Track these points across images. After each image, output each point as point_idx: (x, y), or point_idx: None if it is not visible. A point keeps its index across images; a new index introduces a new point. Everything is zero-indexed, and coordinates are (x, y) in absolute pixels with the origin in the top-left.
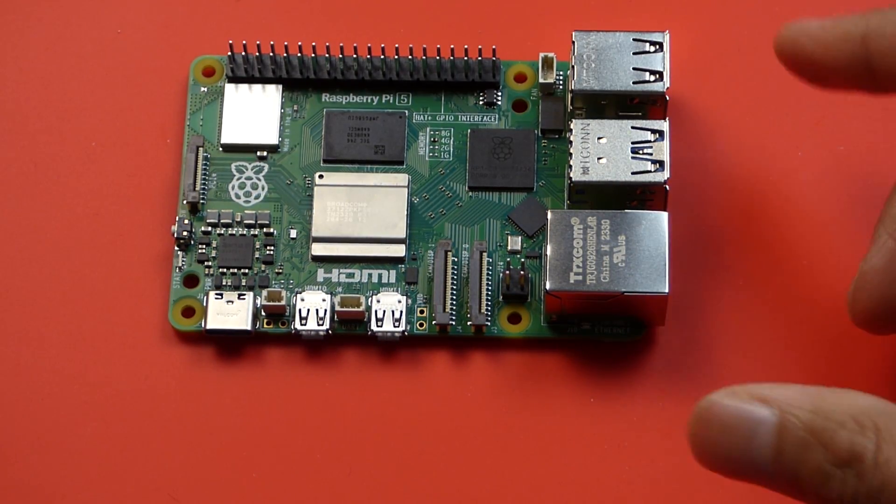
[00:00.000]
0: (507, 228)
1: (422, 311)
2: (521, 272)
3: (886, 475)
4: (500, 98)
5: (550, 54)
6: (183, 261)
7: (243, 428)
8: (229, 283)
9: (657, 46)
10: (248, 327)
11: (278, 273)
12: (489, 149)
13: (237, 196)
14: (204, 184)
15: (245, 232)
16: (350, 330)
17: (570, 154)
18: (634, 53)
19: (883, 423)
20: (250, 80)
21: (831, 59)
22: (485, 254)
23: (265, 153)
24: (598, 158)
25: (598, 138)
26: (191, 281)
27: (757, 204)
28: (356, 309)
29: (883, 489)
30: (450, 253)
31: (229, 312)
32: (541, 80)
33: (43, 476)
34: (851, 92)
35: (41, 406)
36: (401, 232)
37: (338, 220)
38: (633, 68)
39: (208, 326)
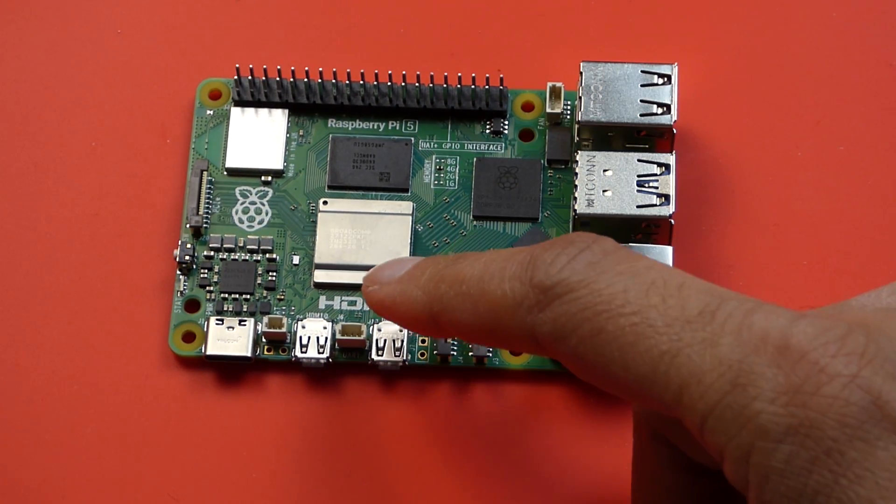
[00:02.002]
0: None
1: (423, 341)
2: None
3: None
4: (506, 127)
5: (558, 84)
6: (185, 285)
7: (242, 455)
8: (231, 309)
9: (665, 79)
10: (249, 354)
11: (280, 299)
12: (495, 178)
13: (240, 221)
14: (207, 208)
15: (248, 257)
16: (351, 358)
17: (576, 186)
18: (642, 85)
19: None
20: (256, 103)
21: (413, 326)
22: None
23: (270, 178)
24: (604, 191)
25: (604, 170)
26: (192, 305)
27: (763, 238)
28: (357, 337)
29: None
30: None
31: (230, 338)
32: (548, 110)
33: (38, 499)
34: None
35: (37, 429)
36: None
37: (341, 247)
38: (641, 100)
39: (208, 352)
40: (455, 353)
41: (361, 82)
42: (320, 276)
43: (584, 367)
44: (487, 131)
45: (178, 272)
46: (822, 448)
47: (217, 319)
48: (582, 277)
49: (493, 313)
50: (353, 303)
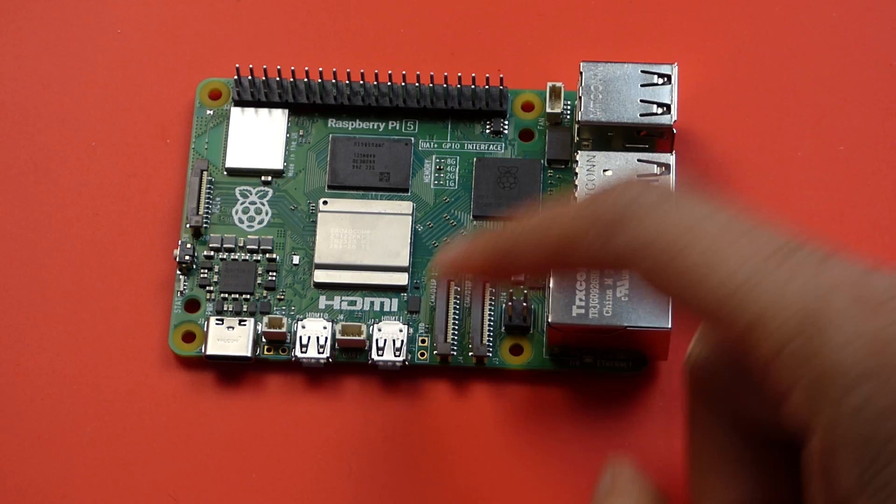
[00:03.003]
0: None
1: (423, 341)
2: (524, 304)
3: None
4: (506, 127)
5: (558, 84)
6: (185, 285)
7: (242, 455)
8: (230, 309)
9: (665, 79)
10: (249, 354)
11: (280, 299)
12: (494, 178)
13: (240, 221)
14: (207, 208)
15: (248, 257)
16: (351, 358)
17: (576, 186)
18: (642, 85)
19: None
20: (256, 103)
21: (484, 274)
22: (487, 284)
23: (270, 178)
24: None
25: (604, 171)
26: (192, 305)
27: None
28: (357, 337)
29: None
30: (452, 282)
31: (230, 338)
32: (548, 110)
33: (38, 499)
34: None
35: (37, 429)
36: (404, 260)
37: (341, 247)
38: (641, 100)
39: (208, 352)
40: (455, 354)
41: (361, 82)
42: (320, 276)
43: (655, 287)
44: (487, 131)
45: (178, 272)
46: (894, 398)
47: (217, 319)
48: (652, 209)
49: (559, 249)
50: (353, 303)
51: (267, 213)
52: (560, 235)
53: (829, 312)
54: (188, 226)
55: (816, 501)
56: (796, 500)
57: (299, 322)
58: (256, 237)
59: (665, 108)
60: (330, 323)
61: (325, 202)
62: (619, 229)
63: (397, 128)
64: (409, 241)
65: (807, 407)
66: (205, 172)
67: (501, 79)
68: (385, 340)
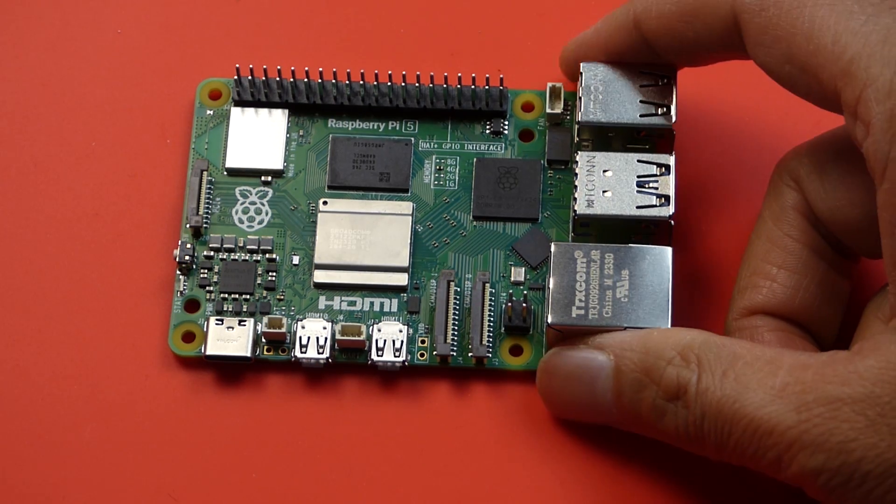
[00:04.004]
0: (510, 259)
1: (423, 341)
2: (524, 304)
3: (705, 403)
4: (506, 127)
5: (558, 84)
6: (184, 285)
7: (241, 455)
8: (230, 309)
9: (665, 80)
10: (248, 354)
11: (280, 299)
12: (495, 178)
13: (240, 221)
14: (207, 208)
15: (247, 257)
16: (350, 359)
17: (576, 186)
18: (642, 86)
19: (704, 355)
20: (256, 104)
21: (615, 53)
22: (487, 284)
23: (270, 178)
24: (604, 191)
25: (604, 171)
26: (192, 306)
27: None
28: (357, 338)
29: (704, 417)
30: (452, 283)
31: (229, 338)
32: (548, 110)
33: (38, 500)
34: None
35: (37, 429)
36: (404, 261)
37: (341, 248)
38: (641, 101)
39: (208, 352)
40: (455, 354)
41: (361, 82)
42: (320, 277)
43: (770, 41)
44: (487, 131)
45: (178, 272)
46: None
47: (217, 319)
48: None
49: None
50: (352, 303)
51: (267, 214)
52: None
53: None
54: (188, 226)
55: (888, 251)
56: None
57: (299, 322)
58: (256, 237)
59: (665, 109)
60: (330, 323)
61: (325, 202)
62: None
63: (397, 128)
64: (408, 241)
65: (886, 139)
66: (205, 172)
67: (501, 79)
68: (385, 341)
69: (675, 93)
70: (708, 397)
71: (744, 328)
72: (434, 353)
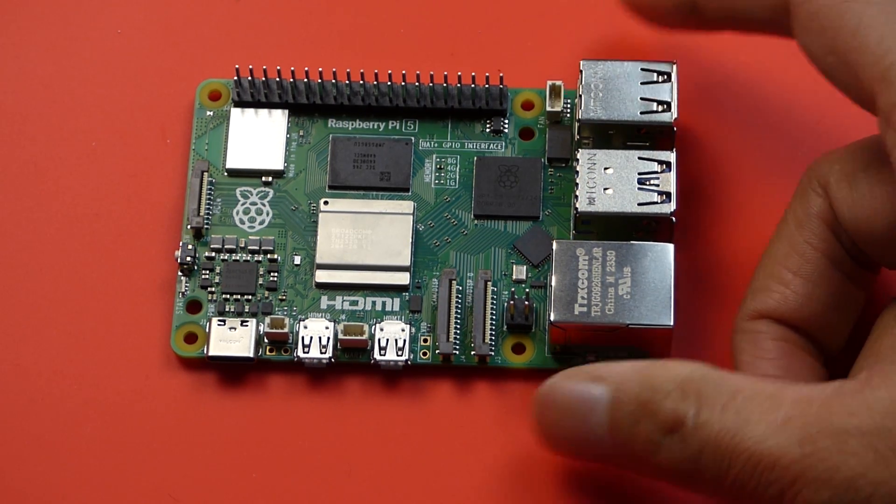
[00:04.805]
0: (512, 257)
1: (425, 340)
2: (526, 302)
3: (703, 437)
4: (506, 126)
5: (558, 82)
6: (186, 286)
7: (244, 456)
8: (232, 310)
9: (665, 76)
10: (251, 354)
11: (282, 300)
12: (495, 177)
13: (241, 221)
14: (208, 209)
15: (249, 258)
16: (353, 358)
17: (577, 184)
18: (642, 83)
19: (704, 388)
20: (256, 104)
21: (663, 5)
22: (489, 283)
23: (270, 178)
24: (605, 189)
25: (605, 168)
26: (194, 307)
27: (763, 235)
28: (359, 337)
29: (702, 451)
30: (454, 281)
31: (232, 339)
32: (548, 109)
33: (38, 500)
34: (686, 31)
35: (37, 429)
36: (405, 260)
37: (342, 247)
38: (641, 98)
39: (210, 353)
40: (457, 353)
41: (361, 82)
42: (322, 276)
43: (816, 30)
44: (487, 130)
45: (180, 273)
46: None
47: (219, 320)
48: None
49: None
50: (354, 302)
51: (268, 214)
52: None
53: None
54: (189, 227)
55: None
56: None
57: (301, 322)
58: (257, 238)
59: (665, 106)
60: (332, 323)
61: (325, 202)
62: None
63: (397, 127)
64: (410, 240)
65: None
66: (205, 173)
67: (501, 77)
68: (387, 340)
69: (675, 89)
70: (706, 431)
71: (748, 331)
72: (436, 351)
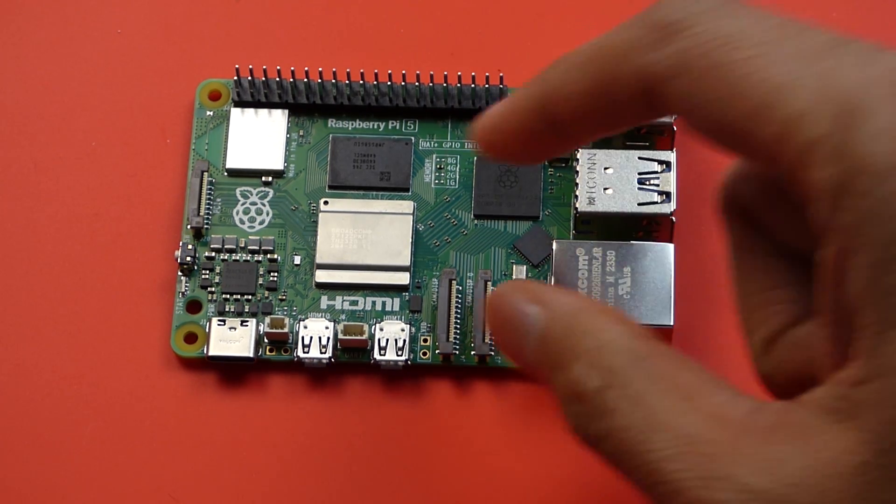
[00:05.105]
0: (512, 257)
1: (425, 340)
2: None
3: (608, 427)
4: None
5: None
6: (186, 286)
7: (243, 456)
8: (232, 310)
9: None
10: (251, 354)
11: (282, 300)
12: (495, 177)
13: (241, 221)
14: (208, 209)
15: (249, 258)
16: (353, 358)
17: (577, 184)
18: None
19: (619, 365)
20: (256, 104)
21: (525, 135)
22: (489, 283)
23: (270, 178)
24: (605, 189)
25: (605, 168)
26: (193, 306)
27: None
28: (359, 337)
29: (606, 439)
30: (454, 281)
31: (232, 339)
32: None
33: (38, 500)
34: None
35: (37, 429)
36: (405, 260)
37: (342, 247)
38: None
39: (210, 353)
40: (457, 353)
41: (361, 82)
42: (322, 276)
43: (693, 109)
44: None
45: (180, 273)
46: None
47: (219, 320)
48: (704, 15)
49: (605, 66)
50: (354, 302)
51: (268, 214)
52: (613, 47)
53: (863, 103)
54: (189, 227)
55: (823, 311)
56: None
57: (301, 322)
58: (257, 238)
59: None
60: (332, 323)
61: (325, 202)
62: (674, 35)
63: (397, 127)
64: (410, 240)
65: (832, 204)
66: (205, 173)
67: (501, 77)
68: (387, 340)
69: None
70: (610, 423)
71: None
72: (436, 351)
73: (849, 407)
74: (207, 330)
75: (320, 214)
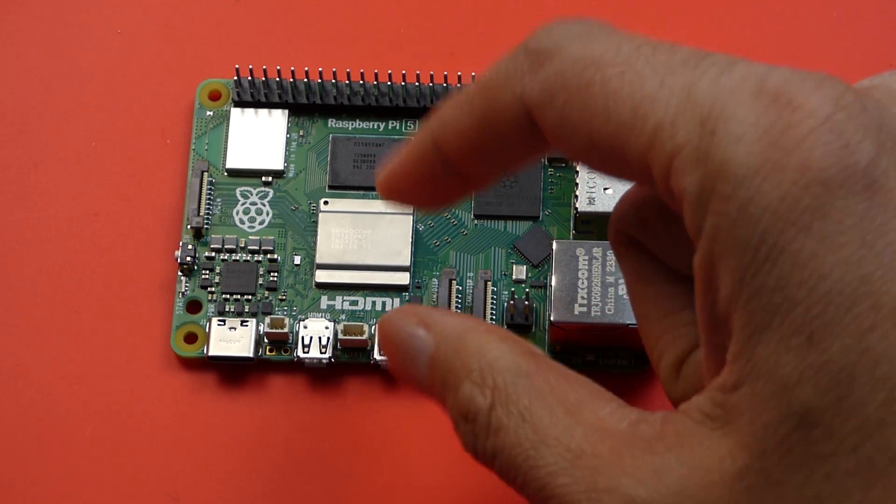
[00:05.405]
0: (512, 257)
1: None
2: (526, 302)
3: (498, 445)
4: None
5: None
6: (186, 286)
7: (243, 456)
8: (232, 310)
9: None
10: (251, 354)
11: (282, 300)
12: None
13: (241, 221)
14: (208, 209)
15: (249, 258)
16: (353, 358)
17: (577, 185)
18: None
19: (503, 383)
20: (256, 104)
21: (424, 178)
22: (489, 283)
23: (270, 178)
24: (605, 189)
25: None
26: (193, 306)
27: None
28: (359, 337)
29: (496, 456)
30: (454, 281)
31: (232, 339)
32: None
33: (38, 500)
34: (455, 199)
35: (37, 429)
36: (405, 260)
37: (342, 247)
38: None
39: (210, 353)
40: None
41: (361, 82)
42: (322, 276)
43: (569, 131)
44: None
45: (180, 273)
46: (778, 193)
47: (219, 320)
48: (574, 40)
49: (487, 98)
50: (354, 302)
51: (268, 214)
52: (493, 78)
53: (723, 111)
54: (189, 227)
55: (700, 319)
56: None
57: (301, 322)
58: (257, 238)
59: None
60: (332, 323)
61: (325, 202)
62: (547, 60)
63: (397, 128)
64: (410, 240)
65: (698, 209)
66: (205, 173)
67: None
68: None
69: None
70: (501, 440)
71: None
72: None
73: (724, 413)
74: (207, 330)
75: (320, 214)
